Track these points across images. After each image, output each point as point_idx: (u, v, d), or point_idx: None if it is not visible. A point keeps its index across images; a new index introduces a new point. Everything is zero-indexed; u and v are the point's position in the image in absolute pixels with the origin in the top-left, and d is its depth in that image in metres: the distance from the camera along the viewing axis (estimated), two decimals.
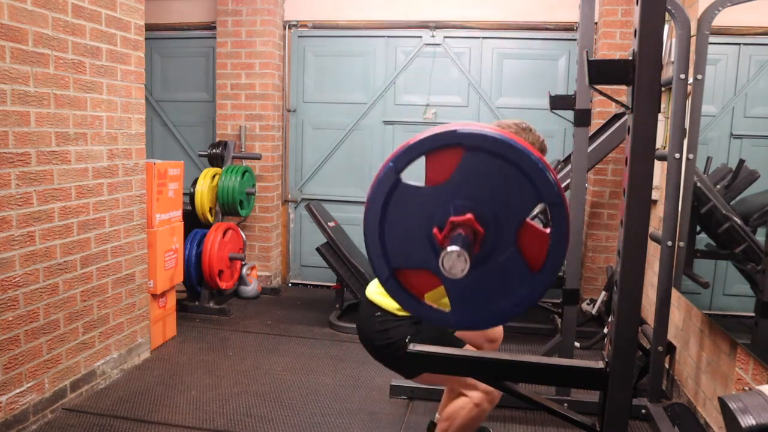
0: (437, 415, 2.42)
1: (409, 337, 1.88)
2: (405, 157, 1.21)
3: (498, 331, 2.26)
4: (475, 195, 1.15)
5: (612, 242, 4.17)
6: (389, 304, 1.93)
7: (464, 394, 1.93)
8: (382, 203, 1.20)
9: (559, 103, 2.68)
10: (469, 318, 1.21)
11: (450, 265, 1.04)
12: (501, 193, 1.15)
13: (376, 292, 2.00)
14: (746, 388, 1.95)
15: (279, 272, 4.90)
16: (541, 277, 1.16)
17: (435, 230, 1.16)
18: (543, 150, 1.84)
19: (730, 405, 1.24)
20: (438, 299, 1.27)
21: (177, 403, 2.74)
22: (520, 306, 1.19)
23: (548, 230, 1.15)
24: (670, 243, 2.54)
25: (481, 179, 1.16)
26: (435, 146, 1.19)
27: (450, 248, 1.04)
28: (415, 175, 1.24)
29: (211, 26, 4.66)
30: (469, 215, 1.14)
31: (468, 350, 1.76)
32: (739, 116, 2.59)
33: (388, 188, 1.20)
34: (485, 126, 1.18)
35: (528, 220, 1.16)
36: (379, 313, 1.94)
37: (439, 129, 1.20)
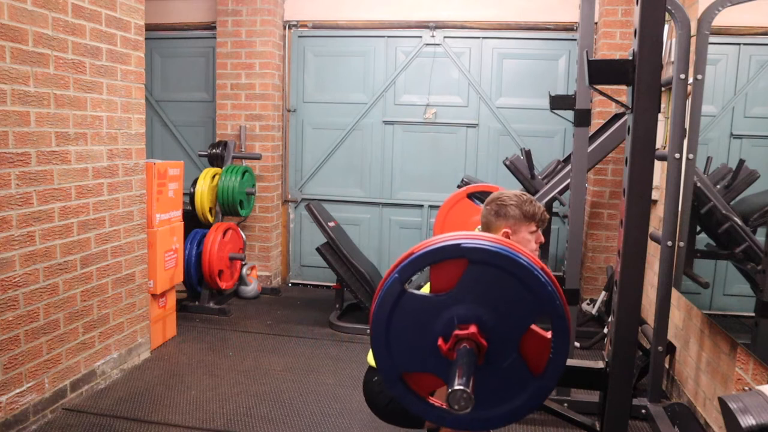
0: None
1: None
2: (410, 268, 1.24)
3: None
4: (478, 305, 1.18)
5: (612, 242, 4.17)
6: None
7: None
8: (388, 312, 1.23)
9: (559, 103, 2.67)
10: (468, 420, 1.23)
11: (456, 404, 1.06)
12: (504, 303, 1.18)
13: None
14: (746, 388, 1.95)
15: (279, 272, 4.90)
16: (543, 382, 1.19)
17: (440, 341, 1.18)
18: (543, 221, 1.80)
19: (730, 405, 1.24)
20: (442, 397, 1.29)
21: (177, 403, 2.74)
22: (524, 408, 1.22)
23: (549, 335, 1.18)
24: (670, 243, 2.54)
25: (484, 290, 1.19)
26: (439, 258, 1.21)
27: (456, 386, 1.06)
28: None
29: (211, 26, 4.66)
30: (473, 328, 1.17)
31: None
32: (739, 116, 2.59)
33: (394, 298, 1.22)
34: (489, 237, 1.21)
35: (532, 326, 1.19)
36: (377, 378, 1.93)
37: (444, 241, 1.22)
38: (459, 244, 1.18)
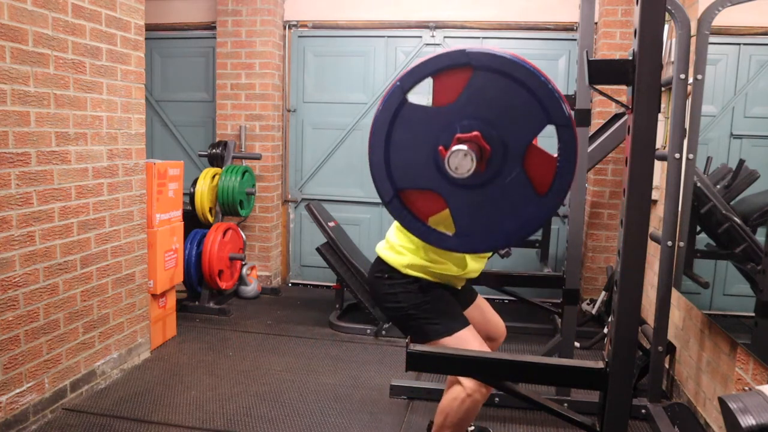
0: None
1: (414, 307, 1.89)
2: (412, 77, 1.19)
3: (500, 329, 2.24)
4: (482, 115, 1.13)
5: (612, 242, 4.17)
6: (396, 260, 1.93)
7: (459, 382, 1.93)
8: (389, 122, 1.17)
9: None
10: (474, 239, 1.18)
11: (456, 164, 1.02)
12: (508, 113, 1.13)
13: (384, 246, 2.02)
14: (746, 388, 1.95)
15: (279, 272, 4.90)
16: (548, 200, 1.14)
17: (440, 148, 1.14)
18: None
19: (730, 405, 1.24)
20: (440, 224, 1.25)
21: (177, 403, 2.74)
22: (525, 228, 1.16)
23: (555, 155, 1.12)
24: (670, 243, 2.54)
25: (488, 99, 1.14)
26: (443, 66, 1.16)
27: (456, 147, 1.02)
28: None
29: (211, 26, 4.66)
30: (476, 132, 1.12)
31: (468, 350, 1.75)
32: (739, 116, 2.59)
33: (395, 108, 1.17)
34: (494, 47, 1.16)
35: (535, 143, 1.14)
36: (387, 275, 1.94)
37: (448, 49, 1.17)
38: (464, 50, 1.15)
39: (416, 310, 1.91)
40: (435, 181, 1.16)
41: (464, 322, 1.95)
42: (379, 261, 2.01)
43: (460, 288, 2.07)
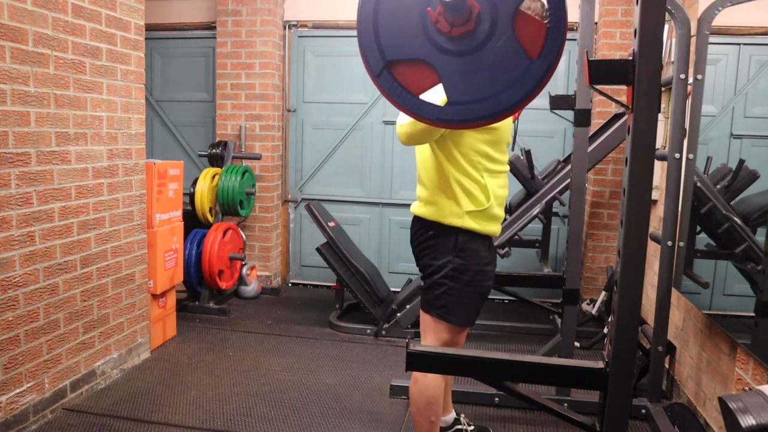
0: (454, 415, 2.41)
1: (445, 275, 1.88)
2: None
3: None
4: None
5: (612, 242, 4.17)
6: (434, 212, 1.91)
7: None
8: None
9: (559, 103, 2.67)
10: (468, 107, 1.16)
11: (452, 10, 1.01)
12: None
13: (417, 204, 2.00)
14: (746, 388, 1.95)
15: (279, 272, 4.90)
16: (540, 63, 1.14)
17: (428, 9, 1.13)
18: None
19: (730, 405, 1.24)
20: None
21: (177, 403, 2.74)
22: (519, 92, 1.15)
23: (545, 21, 1.13)
24: (670, 243, 2.54)
25: None
26: None
27: None
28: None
29: (211, 26, 4.66)
30: None
31: (468, 350, 1.76)
32: (739, 116, 2.59)
33: None
34: None
35: (522, 8, 1.14)
36: (431, 231, 1.93)
37: None
38: None
39: (453, 280, 1.90)
40: (425, 50, 1.14)
41: (475, 319, 1.97)
42: (416, 220, 1.99)
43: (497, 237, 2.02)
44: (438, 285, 1.92)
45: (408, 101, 1.17)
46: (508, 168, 2.00)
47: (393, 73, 1.16)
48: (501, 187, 1.96)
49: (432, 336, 1.99)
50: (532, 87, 1.15)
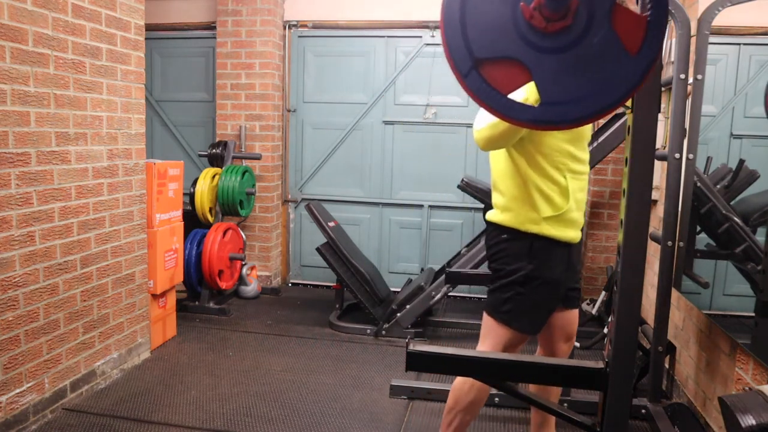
0: None
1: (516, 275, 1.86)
2: None
3: (575, 328, 2.17)
4: None
5: (612, 242, 4.17)
6: (511, 219, 1.89)
7: None
8: None
9: None
10: (562, 108, 1.10)
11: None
12: None
13: (494, 212, 1.97)
14: (746, 388, 1.95)
15: (279, 272, 4.90)
16: (640, 59, 1.07)
17: (522, 4, 1.06)
18: None
19: (730, 405, 1.24)
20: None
21: (177, 403, 2.74)
22: (618, 91, 1.09)
23: (645, 15, 1.06)
24: (670, 243, 2.54)
25: None
26: None
27: None
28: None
29: (211, 26, 4.66)
30: None
31: (468, 350, 1.75)
32: (739, 116, 2.60)
33: None
34: None
35: (619, 2, 1.08)
36: (505, 236, 1.89)
37: None
38: None
39: (523, 286, 1.86)
40: (516, 47, 1.07)
41: (540, 328, 1.94)
42: (492, 226, 1.96)
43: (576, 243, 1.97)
44: (506, 289, 1.88)
45: (498, 102, 1.11)
46: (588, 169, 1.94)
47: (481, 72, 1.10)
48: (580, 190, 1.91)
49: (491, 340, 1.94)
50: (631, 85, 1.08)
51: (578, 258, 2.05)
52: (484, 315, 1.98)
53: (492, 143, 1.80)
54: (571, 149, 1.83)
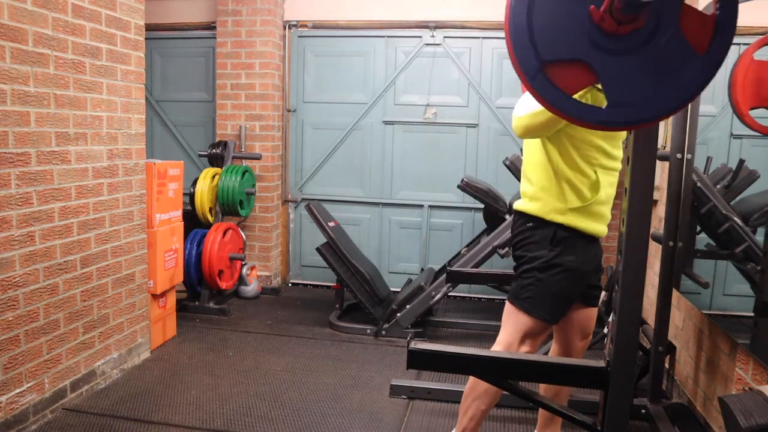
0: None
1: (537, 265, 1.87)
2: None
3: (593, 325, 2.18)
4: None
5: (612, 242, 4.17)
6: (538, 208, 1.90)
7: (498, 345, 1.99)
8: None
9: None
10: (629, 109, 1.09)
11: None
12: None
13: (521, 201, 1.99)
14: (746, 388, 1.95)
15: (279, 272, 4.90)
16: (709, 59, 1.05)
17: (592, 8, 1.05)
18: None
19: (730, 405, 1.24)
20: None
21: (177, 403, 2.74)
22: (685, 92, 1.08)
23: (712, 11, 1.05)
24: (670, 243, 2.54)
25: None
26: None
27: None
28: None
29: (211, 26, 4.66)
30: None
31: (469, 349, 1.76)
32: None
33: None
34: None
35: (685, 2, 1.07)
36: (530, 224, 1.92)
37: None
38: None
39: (542, 273, 1.89)
40: (583, 49, 1.07)
41: (558, 317, 1.95)
42: (519, 215, 1.98)
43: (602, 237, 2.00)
44: (527, 276, 1.91)
45: (565, 104, 1.10)
46: (620, 167, 1.94)
47: (547, 74, 1.09)
48: (610, 185, 1.92)
49: (512, 327, 1.96)
50: (697, 86, 1.07)
51: (602, 255, 2.07)
52: (507, 302, 2.01)
53: (530, 132, 1.82)
54: (605, 145, 1.84)
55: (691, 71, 1.06)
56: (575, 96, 1.11)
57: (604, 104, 1.11)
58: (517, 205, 2.00)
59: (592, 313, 2.13)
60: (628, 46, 1.07)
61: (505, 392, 1.78)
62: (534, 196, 1.93)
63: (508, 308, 1.99)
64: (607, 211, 1.94)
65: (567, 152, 1.85)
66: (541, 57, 1.08)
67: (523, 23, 1.08)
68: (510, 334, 1.96)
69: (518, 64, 1.09)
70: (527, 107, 1.79)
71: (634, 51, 1.07)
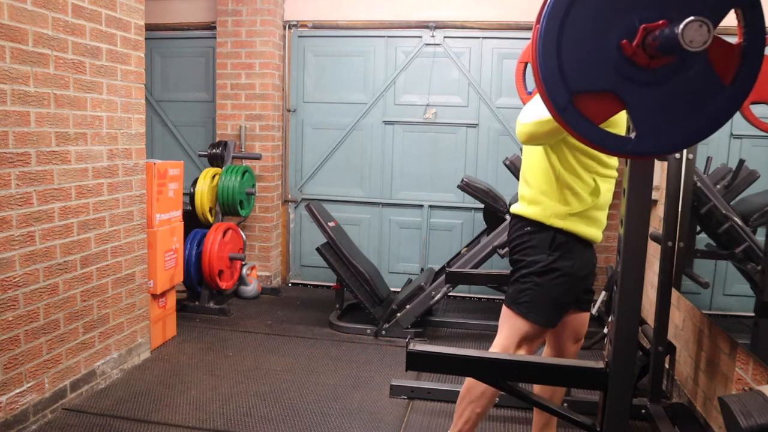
0: None
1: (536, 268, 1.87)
2: None
3: (584, 332, 2.19)
4: (663, 3, 1.05)
5: (612, 242, 4.17)
6: (537, 212, 1.91)
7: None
8: (560, 19, 1.07)
9: None
10: (656, 139, 1.10)
11: (691, 37, 0.94)
12: (689, 0, 1.04)
13: (519, 205, 1.99)
14: (746, 388, 1.95)
15: (279, 272, 4.90)
16: (735, 90, 1.07)
17: (624, 42, 1.06)
18: None
19: (730, 405, 1.24)
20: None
21: (177, 403, 2.74)
22: (711, 123, 1.09)
23: (736, 41, 1.05)
24: (670, 243, 2.54)
25: None
26: None
27: (689, 18, 0.94)
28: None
29: (211, 26, 4.66)
30: (663, 21, 1.03)
31: (468, 350, 1.76)
32: (738, 116, 2.59)
33: (566, 4, 1.07)
34: None
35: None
36: (529, 228, 1.92)
37: None
38: None
39: (540, 277, 1.89)
40: (613, 81, 1.08)
41: (555, 322, 1.95)
42: (518, 219, 1.98)
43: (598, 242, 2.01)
44: (525, 280, 1.91)
45: (593, 133, 1.12)
46: (616, 175, 1.96)
47: (576, 105, 1.10)
48: (607, 191, 1.94)
49: (509, 331, 1.96)
50: (724, 116, 1.09)
51: (595, 261, 2.07)
52: (503, 306, 2.00)
53: (534, 139, 1.83)
54: (602, 155, 1.86)
55: (717, 101, 1.08)
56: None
57: (617, 128, 1.11)
58: (515, 209, 2.00)
59: (585, 317, 2.14)
60: (658, 78, 1.08)
61: (503, 393, 1.78)
62: (533, 199, 1.93)
63: (505, 312, 1.99)
64: (603, 216, 1.96)
65: (566, 159, 1.86)
66: (570, 88, 1.09)
67: (552, 54, 1.08)
68: (507, 338, 1.96)
69: (547, 95, 1.10)
70: (533, 115, 1.79)
71: (664, 83, 1.08)
